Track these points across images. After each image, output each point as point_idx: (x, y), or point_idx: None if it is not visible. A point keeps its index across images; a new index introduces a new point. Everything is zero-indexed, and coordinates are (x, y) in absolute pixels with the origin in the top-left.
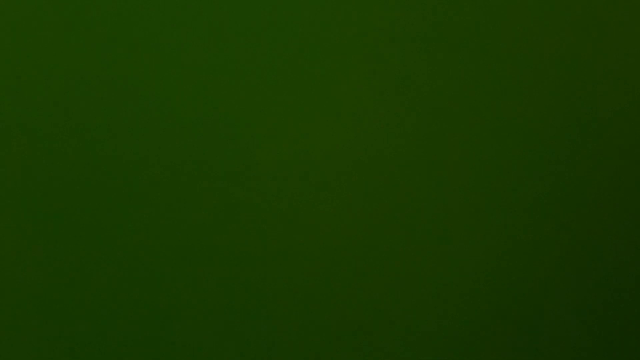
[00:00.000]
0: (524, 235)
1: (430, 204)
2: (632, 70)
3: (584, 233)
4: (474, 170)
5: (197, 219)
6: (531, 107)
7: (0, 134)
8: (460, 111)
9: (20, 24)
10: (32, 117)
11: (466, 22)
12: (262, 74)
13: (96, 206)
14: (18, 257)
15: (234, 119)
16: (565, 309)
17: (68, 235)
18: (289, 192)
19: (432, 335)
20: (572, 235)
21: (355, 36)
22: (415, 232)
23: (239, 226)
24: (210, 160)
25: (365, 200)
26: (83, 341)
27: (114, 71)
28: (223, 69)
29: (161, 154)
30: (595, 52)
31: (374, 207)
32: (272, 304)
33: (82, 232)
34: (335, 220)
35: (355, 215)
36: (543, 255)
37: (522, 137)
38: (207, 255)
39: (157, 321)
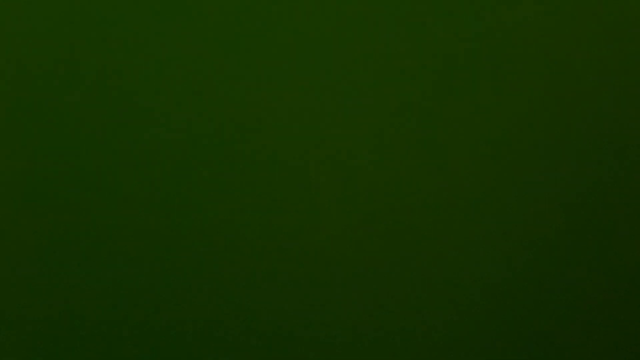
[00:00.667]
0: (526, 237)
1: (433, 204)
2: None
3: (586, 234)
4: (476, 172)
5: (196, 220)
6: (535, 110)
7: (1, 133)
8: (464, 113)
9: (21, 24)
10: (32, 117)
11: (469, 27)
12: (265, 76)
13: (96, 206)
14: (18, 257)
15: (235, 120)
16: (566, 309)
17: (67, 235)
18: (290, 192)
19: (434, 336)
20: (573, 235)
21: (358, 39)
22: (418, 234)
23: (239, 227)
24: (212, 160)
25: (366, 201)
26: (82, 341)
27: (114, 71)
28: (226, 70)
29: (163, 155)
30: (595, 52)
31: (376, 209)
32: (271, 306)
33: (81, 232)
34: (337, 221)
35: (355, 216)
36: (546, 259)
37: (525, 139)
38: (208, 257)
39: (156, 321)
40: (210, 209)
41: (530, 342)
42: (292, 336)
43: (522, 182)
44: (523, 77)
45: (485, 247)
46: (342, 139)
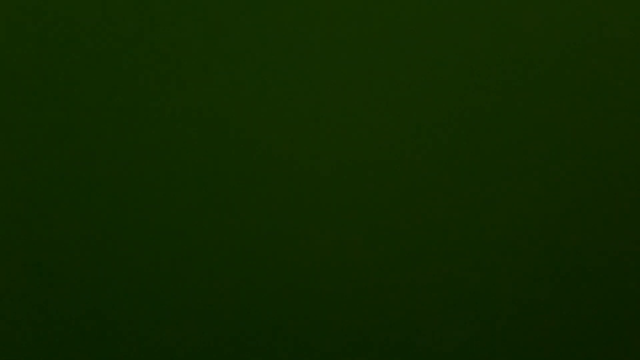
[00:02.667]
0: (531, 237)
1: (434, 205)
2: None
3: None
4: (478, 172)
5: (198, 221)
6: (536, 110)
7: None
8: (466, 113)
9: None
10: (32, 117)
11: (470, 25)
12: (270, 75)
13: (96, 206)
14: (18, 257)
15: (240, 119)
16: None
17: (66, 234)
18: (291, 192)
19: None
20: (574, 236)
21: (363, 39)
22: (421, 234)
23: (240, 227)
24: (215, 160)
25: (366, 201)
26: (81, 341)
27: (116, 70)
28: (231, 70)
29: (165, 155)
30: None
31: (376, 209)
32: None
33: (81, 230)
34: (338, 222)
35: (356, 216)
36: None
37: (526, 139)
38: (209, 257)
39: (157, 321)
40: (211, 211)
41: (530, 342)
42: (295, 340)
43: (524, 182)
44: (523, 77)
45: (487, 249)
46: (343, 139)
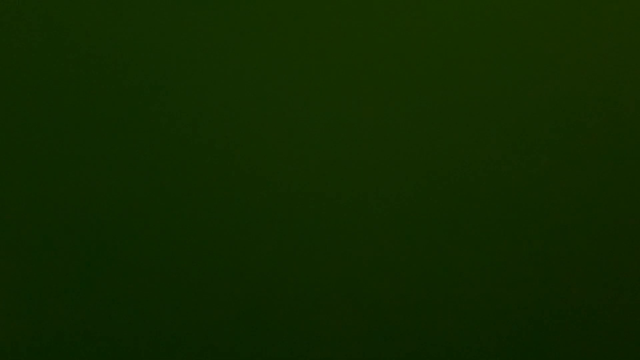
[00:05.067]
0: (532, 238)
1: (434, 206)
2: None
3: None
4: (478, 174)
5: (199, 222)
6: (536, 110)
7: (1, 134)
8: (464, 114)
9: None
10: (34, 117)
11: (467, 24)
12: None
13: (98, 206)
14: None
15: (239, 120)
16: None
17: (69, 235)
18: (292, 192)
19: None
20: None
21: (359, 39)
22: (420, 236)
23: (241, 227)
24: (216, 162)
25: (367, 202)
26: (82, 340)
27: (119, 71)
28: (232, 71)
29: (168, 156)
30: (595, 51)
31: (378, 208)
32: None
33: (83, 232)
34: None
35: (354, 217)
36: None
37: (526, 139)
38: (212, 259)
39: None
40: (211, 214)
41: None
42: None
43: (525, 183)
44: (523, 77)
45: (489, 250)
46: (344, 140)
